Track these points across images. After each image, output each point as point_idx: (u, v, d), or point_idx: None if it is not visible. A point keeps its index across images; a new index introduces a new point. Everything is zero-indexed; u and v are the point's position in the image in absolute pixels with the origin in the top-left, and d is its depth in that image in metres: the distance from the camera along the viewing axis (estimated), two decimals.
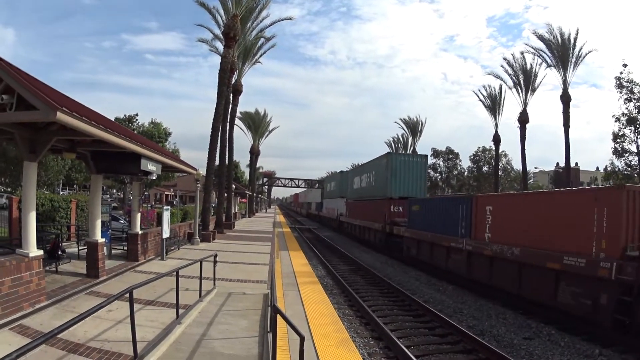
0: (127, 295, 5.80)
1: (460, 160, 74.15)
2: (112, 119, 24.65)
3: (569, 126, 42.85)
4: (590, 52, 42.91)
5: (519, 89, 48.74)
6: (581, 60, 42.81)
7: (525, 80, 47.98)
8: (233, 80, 34.75)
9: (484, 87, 62.50)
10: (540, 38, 44.03)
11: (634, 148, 32.03)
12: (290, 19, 35.93)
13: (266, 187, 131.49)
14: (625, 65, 31.62)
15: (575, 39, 42.34)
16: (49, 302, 8.72)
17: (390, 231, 26.95)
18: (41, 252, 8.82)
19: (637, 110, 31.15)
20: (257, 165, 79.48)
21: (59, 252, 11.85)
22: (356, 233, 38.19)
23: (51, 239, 12.59)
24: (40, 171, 31.64)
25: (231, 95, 35.00)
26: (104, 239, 12.56)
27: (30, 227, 8.59)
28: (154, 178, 16.15)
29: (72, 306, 8.72)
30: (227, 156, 35.48)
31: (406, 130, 76.19)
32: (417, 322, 12.20)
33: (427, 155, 31.93)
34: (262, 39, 38.47)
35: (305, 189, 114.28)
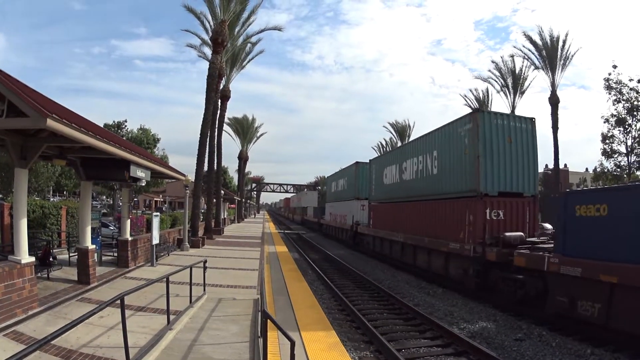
0: (119, 301, 5.84)
1: None
2: (101, 125, 24.66)
3: (557, 128, 43.00)
4: (577, 50, 43.11)
5: (507, 91, 48.93)
6: (569, 62, 43.05)
7: (514, 83, 48.20)
8: (221, 86, 34.74)
9: (470, 90, 62.43)
10: (529, 39, 44.24)
11: (623, 149, 32.40)
12: (280, 29, 35.80)
13: (255, 192, 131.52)
14: (615, 67, 32.02)
15: (564, 41, 42.68)
16: (42, 309, 8.76)
17: (501, 259, 14.19)
18: (33, 259, 8.86)
19: (626, 111, 31.55)
20: (246, 171, 79.41)
21: (51, 259, 11.89)
22: (395, 255, 23.95)
23: (42, 246, 12.62)
24: (30, 178, 31.56)
25: (219, 101, 34.94)
26: (94, 246, 12.56)
27: (22, 233, 8.63)
28: (143, 184, 16.17)
29: (64, 313, 8.75)
30: (215, 162, 35.49)
31: (394, 134, 76.23)
32: (408, 326, 12.12)
33: (534, 119, 17.58)
34: (250, 44, 38.57)
35: (293, 193, 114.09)
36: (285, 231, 56.10)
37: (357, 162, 36.75)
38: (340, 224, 40.02)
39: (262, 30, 35.15)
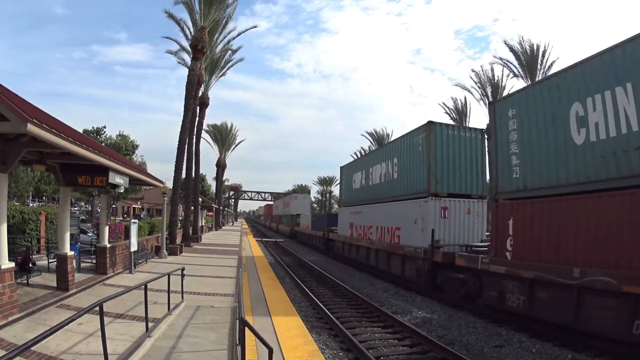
0: (97, 308, 5.87)
1: None
2: (81, 131, 24.49)
3: None
4: (557, 59, 43.44)
5: (486, 100, 49.37)
6: (550, 70, 43.38)
7: (493, 92, 48.60)
8: (200, 93, 34.80)
9: (452, 98, 62.99)
10: (510, 48, 44.69)
11: None
12: (255, 26, 36.44)
13: (233, 200, 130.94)
14: None
15: (544, 50, 43.11)
16: (22, 315, 8.75)
17: None
18: (13, 265, 8.85)
19: None
20: (224, 178, 79.06)
21: (30, 265, 11.77)
22: None
23: (22, 251, 12.52)
24: (10, 183, 31.23)
25: (198, 108, 34.99)
26: (73, 252, 12.52)
27: (1, 239, 8.60)
28: (122, 191, 16.17)
29: (43, 319, 8.76)
30: (193, 169, 35.41)
31: (372, 142, 76.68)
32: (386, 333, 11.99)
33: None
34: (229, 52, 38.93)
35: (271, 202, 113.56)
36: (269, 243, 49.00)
37: (430, 122, 18.93)
38: (385, 247, 21.84)
39: (240, 34, 35.55)
